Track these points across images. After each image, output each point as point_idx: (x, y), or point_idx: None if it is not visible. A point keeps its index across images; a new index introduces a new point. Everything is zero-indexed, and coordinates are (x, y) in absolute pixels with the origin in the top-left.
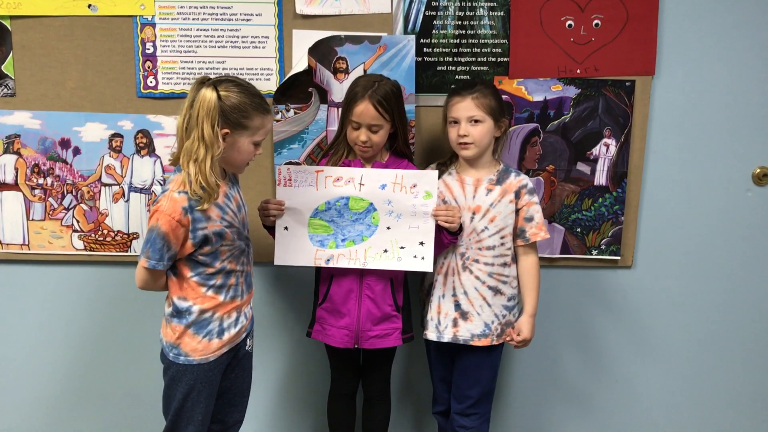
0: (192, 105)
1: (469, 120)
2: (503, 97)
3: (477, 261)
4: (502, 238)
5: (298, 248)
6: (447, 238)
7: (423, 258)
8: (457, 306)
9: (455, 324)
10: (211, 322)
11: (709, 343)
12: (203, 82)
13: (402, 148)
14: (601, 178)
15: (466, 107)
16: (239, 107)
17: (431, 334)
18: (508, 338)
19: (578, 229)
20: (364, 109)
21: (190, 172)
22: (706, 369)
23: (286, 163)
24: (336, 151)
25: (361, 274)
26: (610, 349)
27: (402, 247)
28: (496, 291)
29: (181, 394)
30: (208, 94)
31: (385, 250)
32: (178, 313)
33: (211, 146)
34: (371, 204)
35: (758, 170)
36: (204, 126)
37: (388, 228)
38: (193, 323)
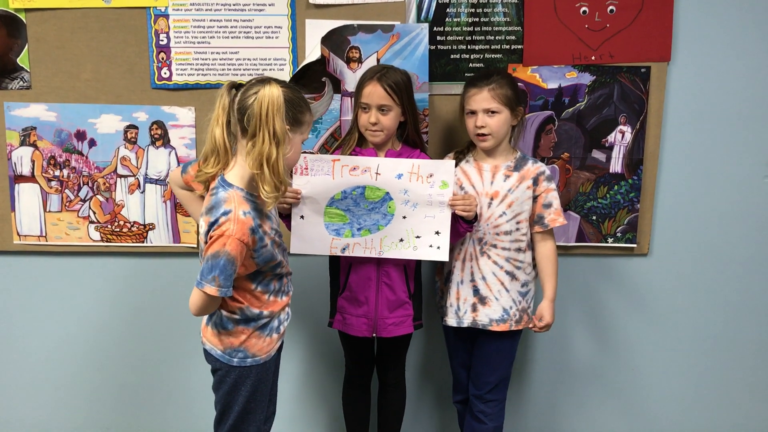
0: (229, 110)
1: (486, 112)
2: (518, 84)
3: (495, 246)
4: (518, 223)
5: (314, 237)
6: (463, 227)
7: (439, 247)
8: (476, 291)
9: (474, 309)
10: (272, 321)
11: (726, 329)
12: (233, 86)
13: (413, 137)
14: (616, 166)
15: (482, 99)
16: (295, 102)
17: (451, 320)
18: (530, 324)
19: (594, 217)
20: (373, 90)
21: (265, 175)
22: (723, 356)
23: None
24: (347, 140)
25: (379, 262)
26: (627, 337)
27: (418, 237)
28: (513, 276)
29: (245, 397)
30: (275, 91)
31: (401, 240)
32: (247, 320)
33: (283, 142)
34: (387, 193)
35: None
36: (276, 122)
37: (404, 217)
38: (261, 326)
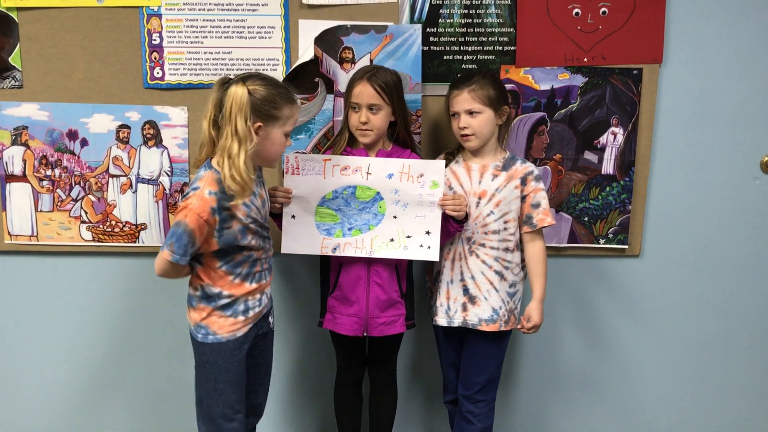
0: (218, 105)
1: (467, 112)
2: (510, 86)
3: (483, 245)
4: (505, 222)
5: (305, 237)
6: (453, 227)
7: (429, 247)
8: (466, 290)
9: (464, 308)
10: (237, 303)
11: (717, 331)
12: (225, 82)
13: (404, 137)
14: (608, 167)
15: (462, 100)
16: (268, 99)
17: (441, 320)
18: (518, 326)
19: (586, 218)
20: (363, 89)
21: (225, 169)
22: (714, 357)
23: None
24: (338, 140)
25: (369, 261)
26: (618, 338)
27: (408, 236)
28: (501, 276)
29: (210, 374)
30: (239, 90)
31: (392, 239)
32: (207, 297)
33: (245, 140)
34: (378, 193)
35: (766, 158)
36: (237, 121)
37: (395, 217)
38: (222, 306)
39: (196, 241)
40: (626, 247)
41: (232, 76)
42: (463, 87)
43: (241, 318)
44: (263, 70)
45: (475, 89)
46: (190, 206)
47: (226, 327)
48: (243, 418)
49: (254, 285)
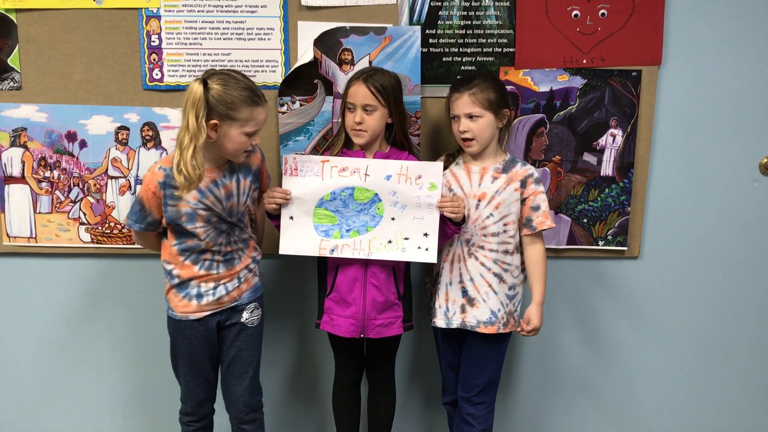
0: None
1: (468, 116)
2: (509, 87)
3: (482, 247)
4: (505, 225)
5: (303, 238)
6: (451, 229)
7: (427, 249)
8: (464, 292)
9: (463, 310)
10: (190, 286)
11: (716, 333)
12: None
13: (401, 139)
14: (607, 169)
15: (463, 104)
16: (225, 100)
17: (440, 322)
18: (518, 328)
19: (585, 220)
20: (357, 89)
21: (174, 159)
22: (712, 359)
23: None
24: (335, 141)
25: (366, 263)
26: (617, 340)
27: (406, 238)
28: (500, 279)
29: (171, 346)
30: (195, 87)
31: (390, 241)
32: (167, 273)
33: (194, 136)
34: (376, 194)
35: (765, 160)
36: (189, 116)
37: (393, 219)
38: (176, 285)
39: (146, 210)
40: (625, 248)
41: (217, 68)
42: (463, 90)
43: (194, 302)
44: (262, 71)
45: (476, 93)
46: (144, 179)
47: (180, 306)
48: (201, 395)
49: (202, 272)
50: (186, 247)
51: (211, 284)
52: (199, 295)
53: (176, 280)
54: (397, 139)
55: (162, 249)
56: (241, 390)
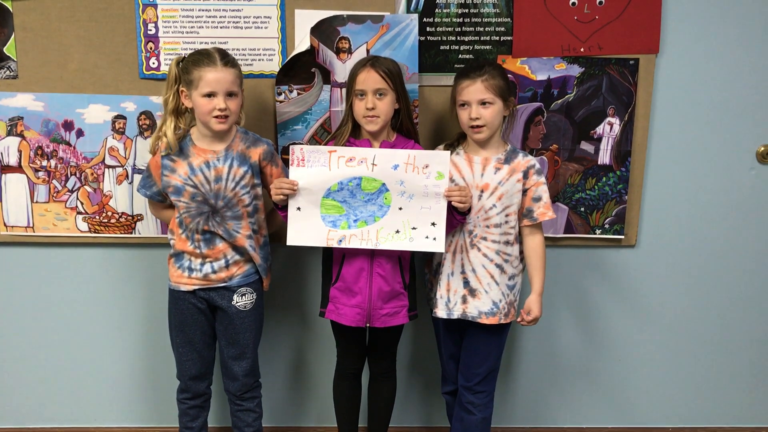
0: None
1: (480, 102)
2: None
3: (485, 238)
4: (507, 216)
5: (311, 228)
6: (457, 218)
7: (435, 239)
8: (466, 283)
9: (464, 301)
10: (183, 258)
11: (711, 321)
12: None
13: (407, 125)
14: (604, 157)
15: (476, 90)
16: (184, 67)
17: (441, 312)
18: (518, 319)
19: (582, 209)
20: (368, 75)
21: (158, 125)
22: (708, 347)
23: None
24: (341, 131)
25: (372, 252)
26: (614, 328)
27: (414, 228)
28: (501, 269)
29: (168, 316)
30: (172, 64)
31: (397, 231)
32: (170, 243)
33: (165, 102)
34: (384, 184)
35: (762, 148)
36: (167, 88)
37: (400, 208)
38: (174, 255)
39: (152, 178)
40: (622, 237)
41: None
42: (476, 77)
43: (185, 274)
44: (259, 60)
45: (488, 79)
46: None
47: (174, 276)
48: (194, 370)
49: (191, 247)
50: (180, 219)
51: (199, 260)
52: (190, 269)
53: (173, 251)
54: (404, 126)
55: (171, 223)
56: (239, 370)
